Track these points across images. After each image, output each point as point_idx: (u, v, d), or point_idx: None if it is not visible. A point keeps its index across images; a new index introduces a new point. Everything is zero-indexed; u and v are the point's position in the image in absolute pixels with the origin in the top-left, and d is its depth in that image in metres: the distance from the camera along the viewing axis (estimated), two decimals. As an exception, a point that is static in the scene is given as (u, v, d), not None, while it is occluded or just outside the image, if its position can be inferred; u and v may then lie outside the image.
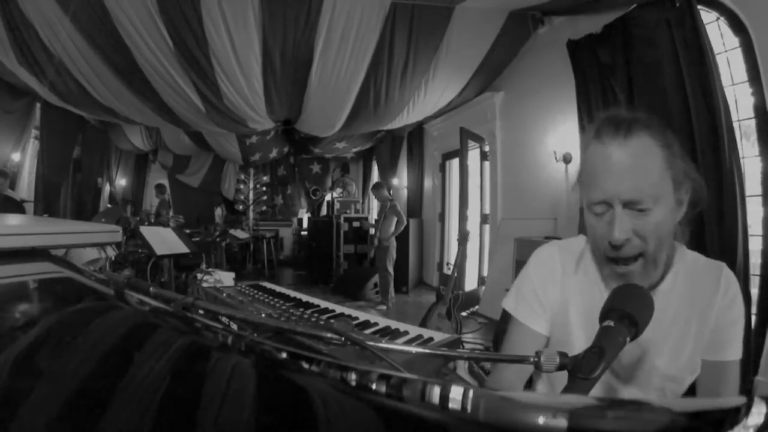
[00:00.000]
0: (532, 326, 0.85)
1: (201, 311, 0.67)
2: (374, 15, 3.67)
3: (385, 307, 5.00)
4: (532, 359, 0.48)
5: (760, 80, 2.41)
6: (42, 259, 0.91)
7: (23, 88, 4.86)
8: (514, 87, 4.73)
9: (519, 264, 3.79)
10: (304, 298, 1.55)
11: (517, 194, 4.59)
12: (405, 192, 7.33)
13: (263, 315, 1.23)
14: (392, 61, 4.12)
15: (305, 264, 7.66)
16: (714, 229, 2.46)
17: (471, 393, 0.36)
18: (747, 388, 2.21)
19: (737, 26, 2.57)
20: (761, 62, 2.41)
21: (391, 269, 5.11)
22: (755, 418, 0.26)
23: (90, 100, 4.75)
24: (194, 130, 6.07)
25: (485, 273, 5.05)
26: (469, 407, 0.35)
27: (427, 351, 0.71)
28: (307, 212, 9.45)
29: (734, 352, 0.77)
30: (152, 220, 6.51)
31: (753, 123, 2.52)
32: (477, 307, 4.74)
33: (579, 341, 0.79)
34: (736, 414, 0.28)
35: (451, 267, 3.76)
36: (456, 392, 0.36)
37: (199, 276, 2.01)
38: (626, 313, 0.54)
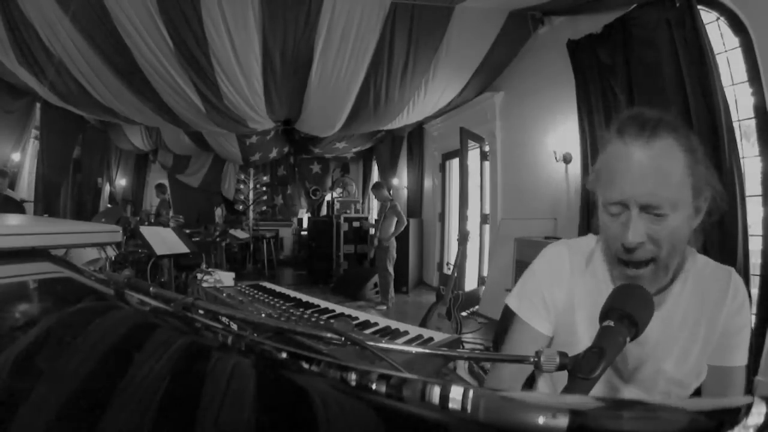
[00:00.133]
0: (535, 326, 0.84)
1: (201, 311, 0.67)
2: (374, 15, 3.66)
3: (385, 307, 5.00)
4: (531, 359, 0.48)
5: (760, 80, 2.41)
6: (42, 259, 0.91)
7: (23, 88, 4.86)
8: (514, 87, 4.73)
9: (519, 264, 3.79)
10: (304, 298, 1.55)
11: (517, 194, 4.59)
12: (405, 192, 7.33)
13: (263, 315, 1.23)
14: (392, 61, 4.12)
15: (305, 264, 7.66)
16: (714, 229, 2.46)
17: (471, 393, 0.36)
18: (747, 388, 2.20)
19: (737, 26, 2.56)
20: (761, 62, 2.41)
21: (391, 269, 5.11)
22: (755, 418, 0.26)
23: (90, 100, 4.75)
24: (194, 130, 6.07)
25: (485, 273, 5.05)
26: (469, 407, 0.35)
27: (427, 351, 0.71)
28: (307, 212, 9.45)
29: (740, 357, 0.77)
30: (152, 220, 6.51)
31: (753, 123, 2.52)
32: (477, 307, 4.74)
33: (585, 342, 0.78)
34: (736, 414, 0.28)
35: (451, 267, 3.76)
36: (456, 392, 0.36)
37: (199, 276, 2.02)
38: (626, 312, 0.54)
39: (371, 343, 0.57)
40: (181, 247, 3.08)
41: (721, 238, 2.43)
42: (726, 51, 2.67)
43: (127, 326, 0.66)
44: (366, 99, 4.68)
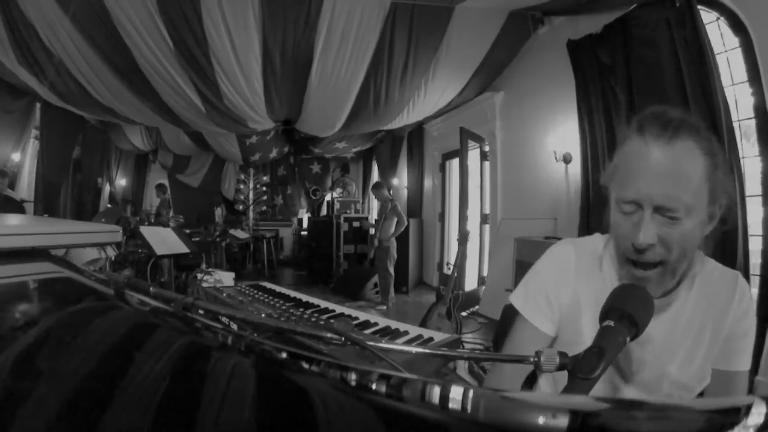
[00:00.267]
0: (539, 326, 0.83)
1: (201, 311, 0.67)
2: (374, 15, 3.67)
3: (385, 307, 5.00)
4: (531, 359, 0.48)
5: (760, 80, 2.41)
6: (42, 259, 0.91)
7: (23, 88, 4.86)
8: (514, 87, 4.73)
9: (519, 264, 3.79)
10: (304, 298, 1.55)
11: (517, 194, 4.59)
12: (405, 192, 7.33)
13: (263, 315, 1.23)
14: (392, 61, 4.12)
15: (305, 264, 7.66)
16: (714, 228, 2.46)
17: (471, 393, 0.36)
18: (747, 388, 2.20)
19: (737, 26, 2.57)
20: (761, 62, 2.41)
21: (391, 269, 5.10)
22: (755, 418, 0.26)
23: (90, 100, 4.75)
24: (194, 130, 6.07)
25: (485, 273, 5.05)
26: (469, 407, 0.35)
27: (427, 351, 0.71)
28: (307, 212, 9.45)
29: (744, 362, 0.77)
30: (152, 220, 6.51)
31: (753, 123, 2.52)
32: (477, 307, 4.74)
33: (590, 342, 0.77)
34: (737, 414, 0.28)
35: (451, 267, 3.76)
36: (456, 392, 0.36)
37: (199, 276, 2.02)
38: (626, 312, 0.54)
39: (371, 343, 0.57)
40: (181, 247, 3.08)
41: (721, 238, 2.43)
42: (726, 51, 2.67)
43: (127, 326, 0.66)
44: (366, 99, 4.68)
